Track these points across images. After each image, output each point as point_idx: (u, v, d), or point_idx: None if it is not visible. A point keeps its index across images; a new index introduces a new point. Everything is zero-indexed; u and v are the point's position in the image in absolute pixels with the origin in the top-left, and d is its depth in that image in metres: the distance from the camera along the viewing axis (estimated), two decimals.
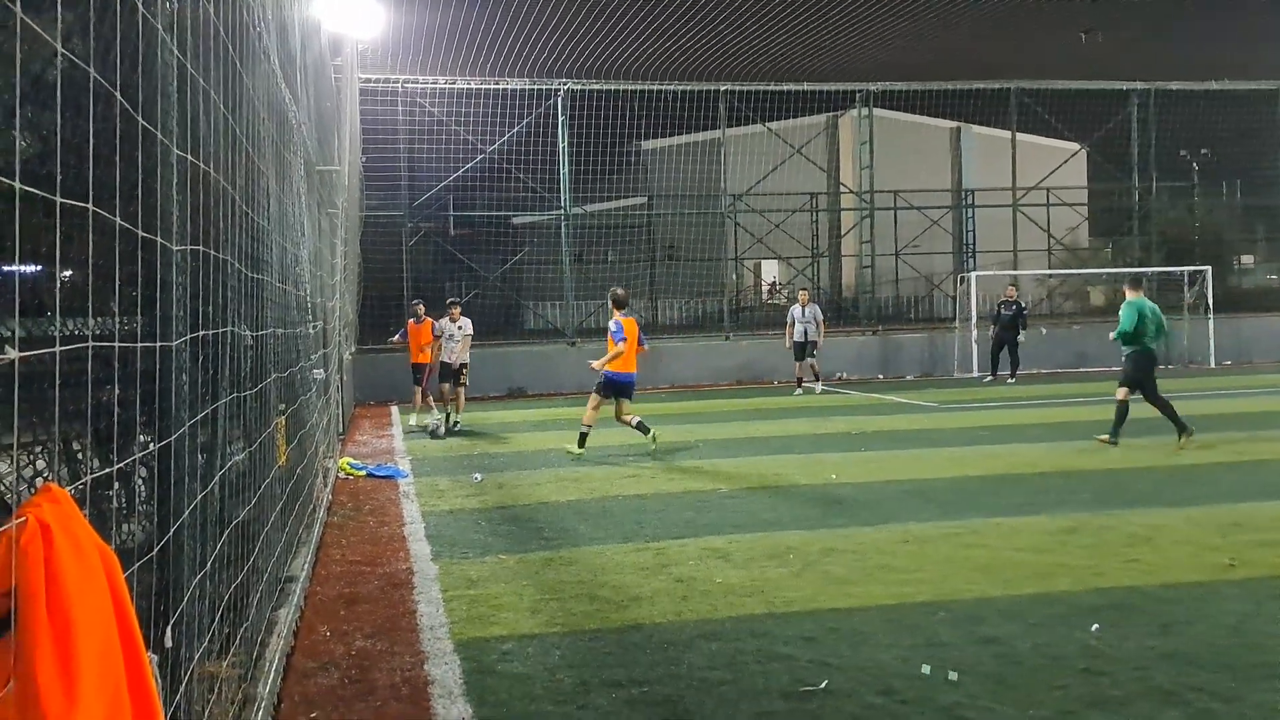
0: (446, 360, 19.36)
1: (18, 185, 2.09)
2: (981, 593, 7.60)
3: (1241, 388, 22.98)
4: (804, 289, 25.48)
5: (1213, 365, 29.66)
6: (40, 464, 2.96)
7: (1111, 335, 15.21)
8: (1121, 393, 14.81)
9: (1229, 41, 29.52)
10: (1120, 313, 15.04)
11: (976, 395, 21.98)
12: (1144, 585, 7.68)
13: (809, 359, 24.29)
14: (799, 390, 24.18)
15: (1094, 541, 9.07)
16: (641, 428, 15.20)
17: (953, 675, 5.30)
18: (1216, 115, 32.73)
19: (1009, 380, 25.75)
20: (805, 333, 24.16)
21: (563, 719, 5.47)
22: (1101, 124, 32.74)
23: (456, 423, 19.13)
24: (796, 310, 24.51)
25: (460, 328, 19.39)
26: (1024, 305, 26.60)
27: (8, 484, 2.76)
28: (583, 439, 15.01)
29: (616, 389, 15.45)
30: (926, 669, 5.38)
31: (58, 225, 2.40)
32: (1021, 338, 25.80)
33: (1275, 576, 7.85)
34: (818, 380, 24.57)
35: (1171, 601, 7.27)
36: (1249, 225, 37.98)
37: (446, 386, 19.56)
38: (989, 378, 26.26)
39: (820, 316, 24.76)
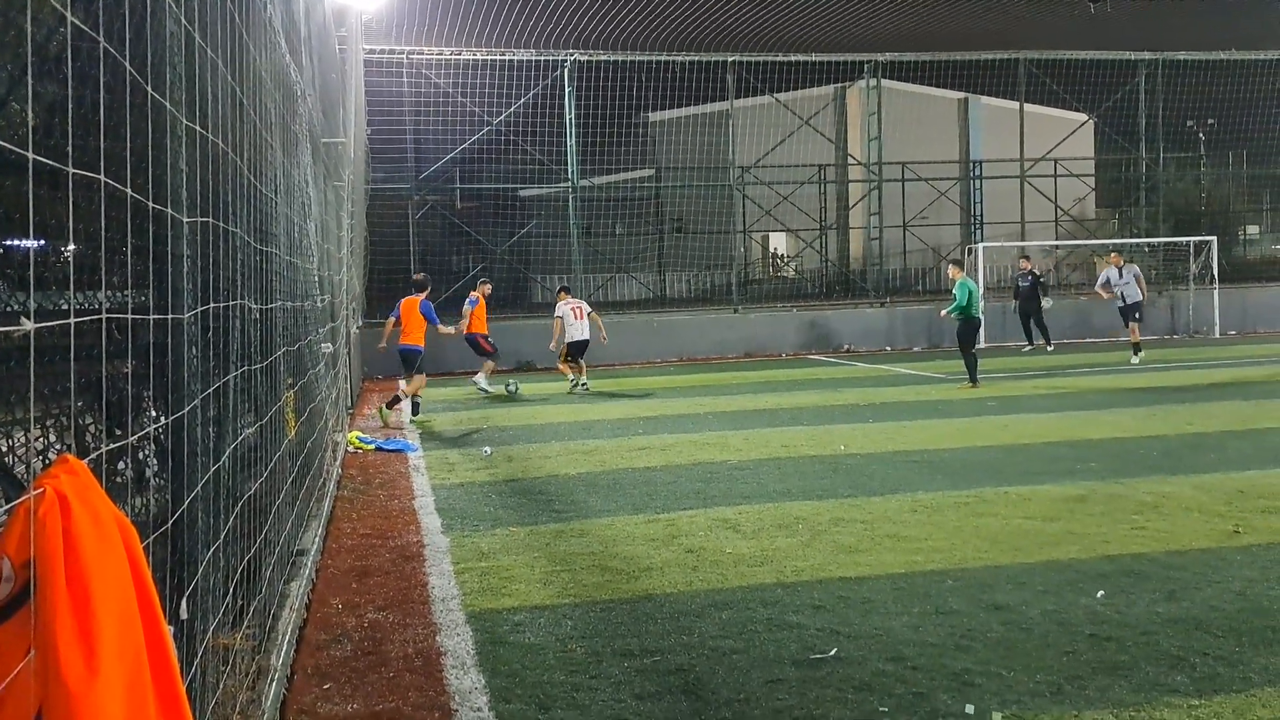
0: (578, 339, 20.46)
1: (30, 155, 2.08)
2: (991, 560, 7.62)
3: (1246, 357, 22.93)
4: (1116, 251, 24.75)
5: (1217, 335, 29.58)
6: (52, 436, 2.97)
7: (943, 311, 18.78)
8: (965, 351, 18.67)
9: (1237, 12, 29.32)
10: (955, 290, 18.67)
11: (983, 366, 21.89)
12: (1151, 552, 7.70)
13: (1134, 321, 23.00)
14: (1136, 357, 22.28)
15: (1102, 509, 9.09)
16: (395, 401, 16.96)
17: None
18: (1224, 86, 32.61)
19: (1047, 349, 25.66)
20: (1123, 295, 23.14)
21: (575, 688, 5.49)
22: (1109, 94, 32.58)
23: (585, 384, 20.18)
24: (1113, 273, 23.35)
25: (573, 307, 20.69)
26: (1040, 274, 26.59)
27: (23, 456, 2.77)
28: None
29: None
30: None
31: (70, 197, 2.39)
32: (1046, 304, 25.75)
33: None
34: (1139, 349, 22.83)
35: (1178, 568, 7.29)
36: (1255, 196, 37.85)
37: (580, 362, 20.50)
38: (1027, 347, 26.24)
39: (1139, 274, 23.67)
